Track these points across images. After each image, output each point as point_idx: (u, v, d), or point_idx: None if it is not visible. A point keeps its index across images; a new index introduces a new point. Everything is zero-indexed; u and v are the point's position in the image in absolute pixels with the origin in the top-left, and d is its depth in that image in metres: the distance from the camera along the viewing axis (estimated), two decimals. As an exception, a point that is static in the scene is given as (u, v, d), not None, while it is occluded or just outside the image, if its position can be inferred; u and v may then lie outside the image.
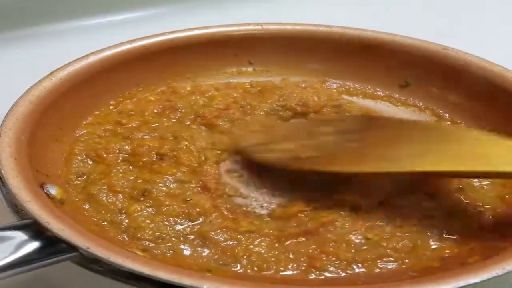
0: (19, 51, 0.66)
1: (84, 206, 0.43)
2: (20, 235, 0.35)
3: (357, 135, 0.48)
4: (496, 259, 0.37)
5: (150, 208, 0.43)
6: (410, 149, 0.44)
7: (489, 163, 0.41)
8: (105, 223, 0.42)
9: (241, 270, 0.39)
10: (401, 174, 0.44)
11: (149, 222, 0.42)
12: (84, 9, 0.71)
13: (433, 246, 0.42)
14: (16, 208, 0.39)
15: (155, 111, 0.54)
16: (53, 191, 0.41)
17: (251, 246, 0.41)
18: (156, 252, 0.40)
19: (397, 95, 0.58)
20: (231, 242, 0.41)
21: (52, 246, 0.35)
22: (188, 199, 0.44)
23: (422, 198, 0.45)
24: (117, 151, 0.48)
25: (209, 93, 0.56)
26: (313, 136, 0.49)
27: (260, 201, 0.45)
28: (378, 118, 0.54)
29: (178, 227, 0.42)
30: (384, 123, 0.50)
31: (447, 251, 0.41)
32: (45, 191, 0.41)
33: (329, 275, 0.39)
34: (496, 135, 0.45)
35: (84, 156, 0.48)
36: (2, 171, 0.40)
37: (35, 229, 0.36)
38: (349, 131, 0.48)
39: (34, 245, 0.35)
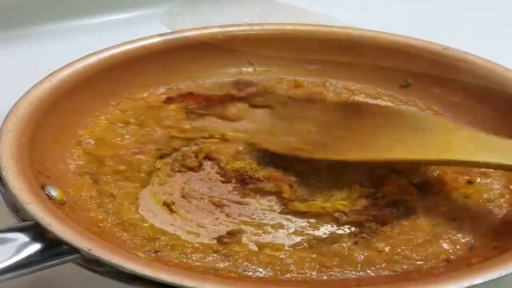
0: (19, 51, 0.65)
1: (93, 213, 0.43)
2: (22, 237, 0.35)
3: (340, 122, 0.50)
4: (499, 259, 0.37)
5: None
6: (388, 137, 0.46)
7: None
8: (117, 228, 0.42)
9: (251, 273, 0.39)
10: (380, 163, 0.46)
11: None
12: (84, 9, 0.71)
13: (438, 248, 0.42)
14: (15, 208, 0.39)
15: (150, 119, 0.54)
16: (54, 192, 0.41)
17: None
18: (163, 254, 0.40)
19: (398, 95, 0.58)
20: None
21: (53, 248, 0.35)
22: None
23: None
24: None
25: None
26: (300, 123, 0.52)
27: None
28: (360, 106, 0.55)
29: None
30: (366, 110, 0.52)
31: (451, 251, 0.41)
32: (46, 192, 0.41)
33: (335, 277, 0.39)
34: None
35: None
36: (3, 173, 0.39)
37: (36, 231, 0.36)
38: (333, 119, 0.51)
39: (36, 247, 0.35)
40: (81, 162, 0.48)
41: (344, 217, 0.44)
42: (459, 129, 0.46)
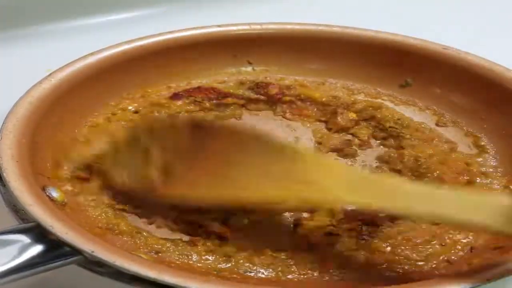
0: (19, 51, 0.65)
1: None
2: (23, 239, 0.35)
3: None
4: (500, 260, 0.37)
5: None
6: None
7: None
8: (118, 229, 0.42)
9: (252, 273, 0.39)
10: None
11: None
12: (84, 9, 0.71)
13: (438, 248, 0.42)
14: (15, 208, 0.38)
15: (156, 114, 0.54)
16: (55, 193, 0.41)
17: None
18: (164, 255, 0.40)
19: (398, 95, 0.58)
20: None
21: (56, 249, 0.35)
22: None
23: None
24: None
25: None
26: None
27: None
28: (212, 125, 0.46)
29: None
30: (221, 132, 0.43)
31: (451, 252, 0.41)
32: (47, 194, 0.40)
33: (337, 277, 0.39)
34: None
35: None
36: (4, 174, 0.39)
37: (38, 233, 0.36)
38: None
39: (38, 248, 0.35)
40: (81, 163, 0.47)
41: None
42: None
